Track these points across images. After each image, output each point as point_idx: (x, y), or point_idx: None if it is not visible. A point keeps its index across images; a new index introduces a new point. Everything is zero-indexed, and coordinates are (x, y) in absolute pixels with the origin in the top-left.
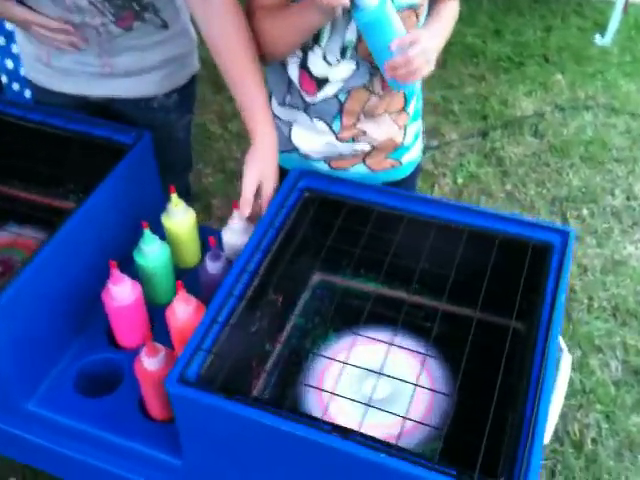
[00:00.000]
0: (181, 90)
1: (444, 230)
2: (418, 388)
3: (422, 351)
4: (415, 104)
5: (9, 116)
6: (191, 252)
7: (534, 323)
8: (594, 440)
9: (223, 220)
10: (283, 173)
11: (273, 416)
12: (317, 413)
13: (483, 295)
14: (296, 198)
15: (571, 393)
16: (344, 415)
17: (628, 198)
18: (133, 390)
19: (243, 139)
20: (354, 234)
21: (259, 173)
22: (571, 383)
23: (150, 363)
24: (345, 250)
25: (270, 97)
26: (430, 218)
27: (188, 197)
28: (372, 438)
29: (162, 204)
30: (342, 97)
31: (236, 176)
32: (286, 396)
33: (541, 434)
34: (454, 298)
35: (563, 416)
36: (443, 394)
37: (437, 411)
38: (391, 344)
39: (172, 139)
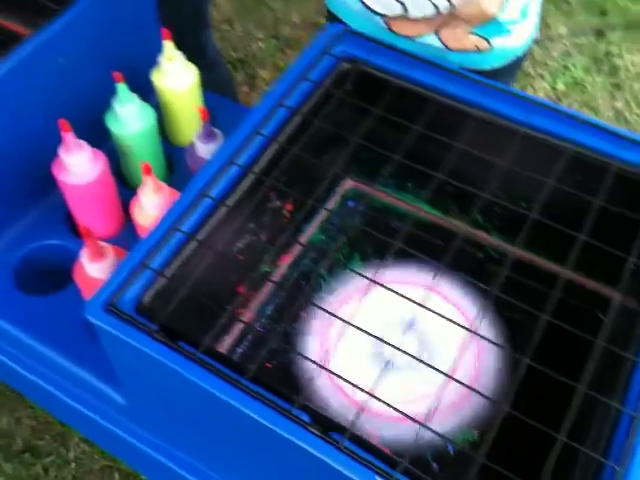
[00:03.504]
0: None
1: (534, 144)
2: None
3: (474, 308)
4: None
5: None
6: (187, 126)
7: None
8: None
9: None
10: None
11: (225, 384)
12: (317, 377)
13: (580, 246)
14: (328, 68)
15: None
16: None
17: None
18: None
19: (306, 2)
20: (405, 132)
21: None
22: None
23: (94, 269)
24: (389, 152)
25: None
26: (516, 124)
27: (201, 60)
28: (372, 447)
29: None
30: None
31: (290, 44)
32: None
33: None
34: (533, 243)
35: None
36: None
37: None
38: (432, 289)
39: None
